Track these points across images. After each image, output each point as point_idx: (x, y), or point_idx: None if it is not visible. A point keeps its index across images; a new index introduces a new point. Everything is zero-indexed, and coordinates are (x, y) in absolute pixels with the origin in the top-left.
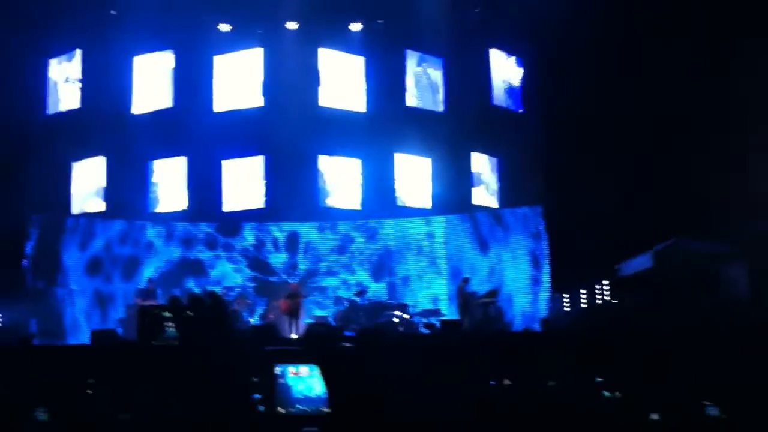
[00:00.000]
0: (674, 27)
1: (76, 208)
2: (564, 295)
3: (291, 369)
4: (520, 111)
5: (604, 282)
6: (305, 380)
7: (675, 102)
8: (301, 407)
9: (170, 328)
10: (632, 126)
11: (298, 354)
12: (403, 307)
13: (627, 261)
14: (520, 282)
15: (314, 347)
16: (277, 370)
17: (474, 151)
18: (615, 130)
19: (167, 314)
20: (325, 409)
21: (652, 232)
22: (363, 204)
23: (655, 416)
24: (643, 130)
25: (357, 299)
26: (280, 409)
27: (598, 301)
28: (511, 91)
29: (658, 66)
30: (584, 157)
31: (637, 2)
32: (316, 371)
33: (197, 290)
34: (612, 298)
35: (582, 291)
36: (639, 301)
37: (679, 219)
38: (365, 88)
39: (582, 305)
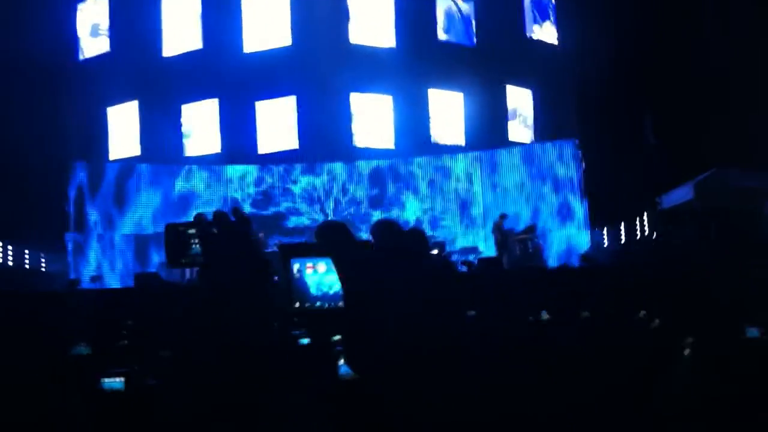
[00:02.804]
0: None
1: (113, 154)
2: (603, 230)
3: (308, 265)
4: (554, 42)
5: (644, 215)
6: (323, 276)
7: (715, 34)
8: (318, 303)
9: (195, 245)
10: (672, 58)
11: (315, 248)
12: (441, 246)
13: (667, 193)
14: (558, 217)
15: (329, 241)
16: (294, 266)
17: (508, 84)
18: (654, 62)
19: (192, 231)
20: (341, 304)
21: (692, 164)
22: (396, 142)
23: (690, 339)
24: (683, 63)
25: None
26: (297, 304)
27: (638, 236)
28: (542, 14)
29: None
30: (621, 88)
31: None
32: (332, 266)
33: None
34: (652, 232)
35: (621, 225)
36: (680, 234)
37: (720, 151)
38: (395, 23)
39: (621, 240)
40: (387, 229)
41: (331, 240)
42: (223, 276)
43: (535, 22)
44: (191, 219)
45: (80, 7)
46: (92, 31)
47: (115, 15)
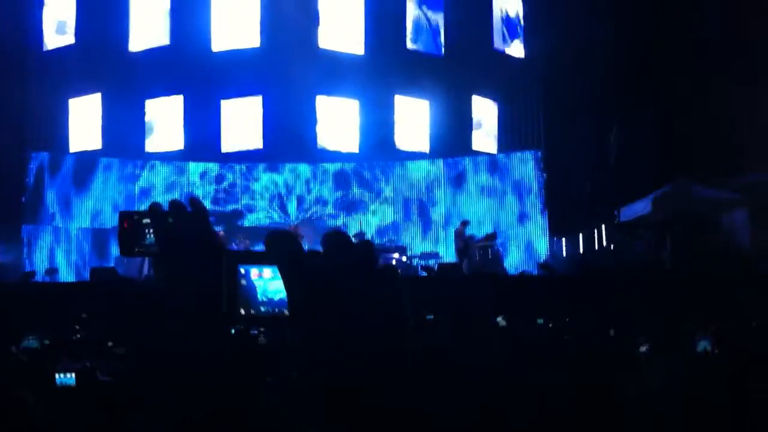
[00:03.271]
0: None
1: (73, 146)
2: (562, 240)
3: (254, 271)
4: (521, 56)
5: (602, 227)
6: (268, 282)
7: (675, 44)
8: (264, 309)
9: (150, 234)
10: (633, 69)
11: (262, 255)
12: (402, 250)
13: (626, 206)
14: (518, 226)
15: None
16: (241, 271)
17: (474, 94)
18: (616, 73)
19: (147, 220)
20: (286, 312)
21: (651, 177)
22: (360, 146)
23: (643, 348)
24: (644, 73)
25: (357, 239)
26: (242, 311)
27: (595, 247)
28: (511, 32)
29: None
30: (587, 101)
31: None
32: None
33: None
34: (610, 243)
35: (580, 236)
36: (636, 246)
37: (678, 165)
38: (364, 30)
39: (579, 251)
40: (336, 240)
41: (278, 248)
42: (178, 266)
43: (504, 41)
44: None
45: (46, 1)
46: (58, 28)
47: (82, 9)
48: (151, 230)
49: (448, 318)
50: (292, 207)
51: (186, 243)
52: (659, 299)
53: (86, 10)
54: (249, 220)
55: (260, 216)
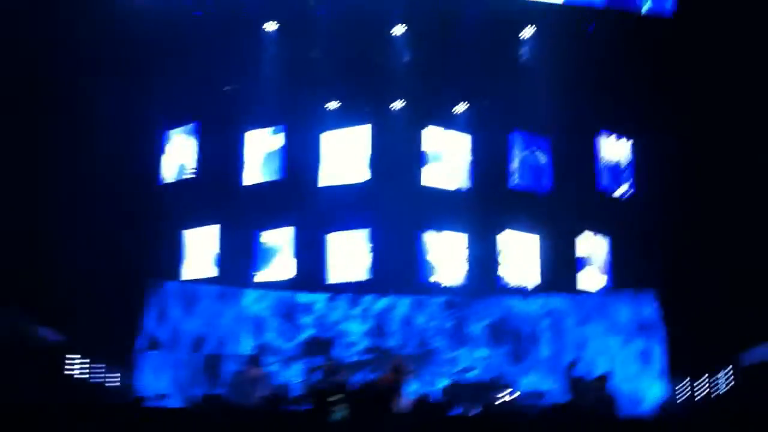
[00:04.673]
0: None
1: (188, 275)
2: (680, 384)
3: None
4: (629, 192)
5: (724, 371)
6: None
7: None
8: None
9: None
10: (749, 207)
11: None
12: (509, 387)
13: (750, 349)
14: (632, 368)
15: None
16: None
17: (582, 230)
18: (730, 212)
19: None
20: None
21: None
22: (467, 280)
23: None
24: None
25: (461, 377)
26: None
27: (716, 392)
28: (618, 171)
29: None
30: (698, 237)
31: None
32: None
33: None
34: (733, 390)
35: (700, 380)
36: (762, 393)
37: None
38: (470, 165)
39: (699, 395)
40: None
41: None
42: None
43: (611, 183)
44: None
45: (171, 133)
46: (179, 172)
47: (202, 152)
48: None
49: None
50: (395, 339)
51: None
52: None
53: (206, 153)
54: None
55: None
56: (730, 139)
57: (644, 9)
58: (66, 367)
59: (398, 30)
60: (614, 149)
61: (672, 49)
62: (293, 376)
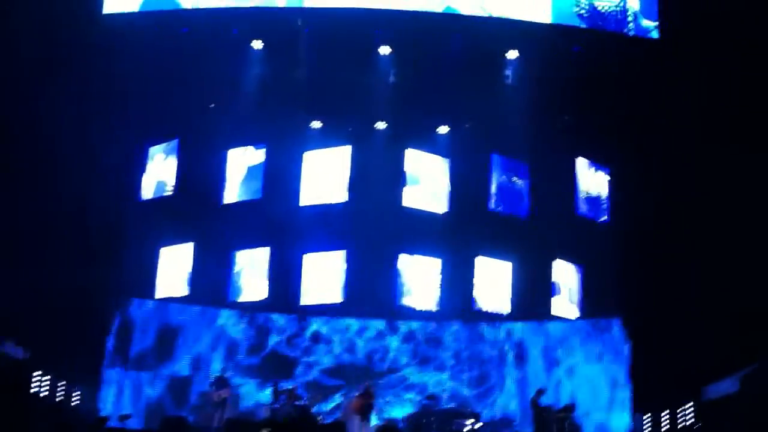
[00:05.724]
0: None
1: (160, 293)
2: (644, 416)
3: None
4: (605, 220)
5: (687, 404)
6: None
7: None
8: None
9: None
10: (717, 241)
11: None
12: (476, 416)
13: (713, 383)
14: (599, 398)
15: None
16: None
17: (556, 258)
18: (700, 245)
19: None
20: None
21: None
22: (440, 305)
23: None
24: (729, 248)
25: (429, 403)
26: None
27: (679, 426)
28: (596, 201)
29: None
30: (670, 270)
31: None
32: None
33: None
34: (696, 423)
35: (664, 413)
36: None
37: None
38: (449, 189)
39: (664, 428)
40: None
41: None
42: None
43: (589, 211)
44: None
45: (152, 150)
46: (157, 189)
47: (182, 170)
48: None
49: None
50: (365, 362)
51: None
52: None
53: (186, 171)
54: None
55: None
56: (705, 171)
57: (630, 30)
58: (32, 384)
59: (383, 51)
60: (592, 177)
61: (654, 73)
62: (260, 398)
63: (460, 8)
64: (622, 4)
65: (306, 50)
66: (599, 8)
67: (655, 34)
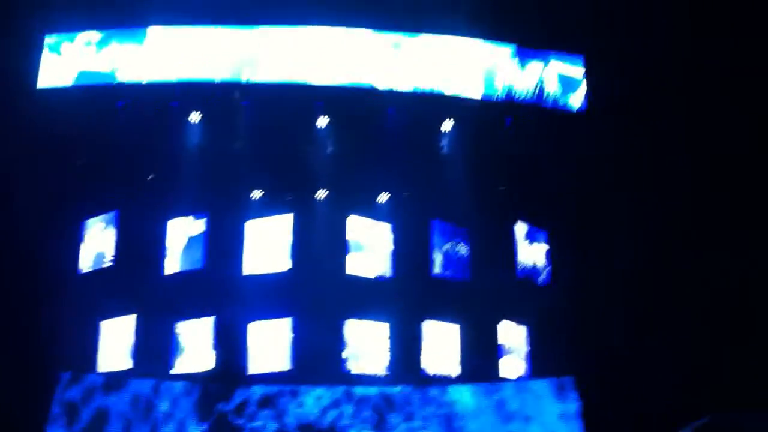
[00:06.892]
0: None
1: (102, 366)
2: None
3: None
4: (544, 281)
5: None
6: None
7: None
8: None
9: None
10: (659, 298)
11: None
12: None
13: None
14: None
15: None
16: None
17: (502, 319)
18: (645, 302)
19: None
20: None
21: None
22: (389, 369)
23: None
24: (676, 307)
25: None
26: None
27: None
28: (534, 263)
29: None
30: (619, 326)
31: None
32: None
33: None
34: None
35: None
36: None
37: (719, 392)
38: (392, 254)
39: None
40: None
41: None
42: None
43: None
44: None
45: (89, 223)
46: (96, 260)
47: (121, 242)
48: None
49: None
50: (315, 429)
51: None
52: None
53: (125, 243)
54: None
55: None
56: (637, 227)
57: (557, 103)
58: None
59: (321, 122)
60: (531, 240)
61: (582, 143)
62: None
63: (395, 85)
64: (538, 90)
65: (245, 121)
66: (515, 95)
67: (575, 108)
